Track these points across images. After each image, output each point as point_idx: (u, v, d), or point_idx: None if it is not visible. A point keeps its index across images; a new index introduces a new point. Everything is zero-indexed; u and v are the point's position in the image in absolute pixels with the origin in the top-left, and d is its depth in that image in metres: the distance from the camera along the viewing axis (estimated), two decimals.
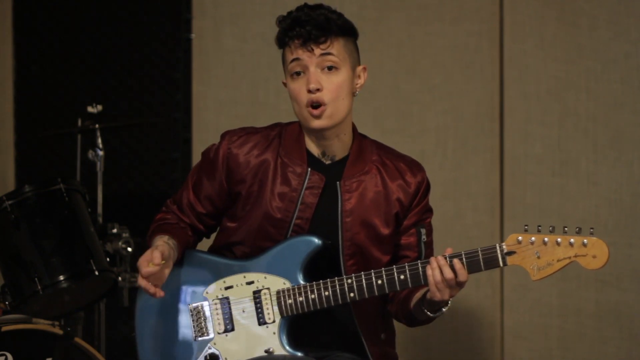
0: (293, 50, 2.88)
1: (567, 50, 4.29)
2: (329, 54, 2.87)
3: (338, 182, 2.94)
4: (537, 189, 4.33)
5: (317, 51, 2.86)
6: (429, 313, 2.86)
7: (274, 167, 2.95)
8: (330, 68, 2.87)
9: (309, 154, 2.97)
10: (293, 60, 2.88)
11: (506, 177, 4.39)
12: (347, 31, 2.91)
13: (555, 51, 4.31)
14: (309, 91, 2.86)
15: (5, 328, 3.52)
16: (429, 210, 3.03)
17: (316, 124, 2.88)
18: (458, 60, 4.44)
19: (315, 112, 2.87)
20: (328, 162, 2.97)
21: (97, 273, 3.81)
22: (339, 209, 2.93)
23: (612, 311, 4.24)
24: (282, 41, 2.92)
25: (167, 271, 2.90)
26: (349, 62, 2.91)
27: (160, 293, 2.86)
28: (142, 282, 2.85)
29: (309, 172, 2.94)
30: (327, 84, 2.87)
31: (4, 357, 3.52)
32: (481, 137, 4.42)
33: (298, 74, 2.88)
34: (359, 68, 2.95)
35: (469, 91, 4.43)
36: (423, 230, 2.98)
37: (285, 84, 2.96)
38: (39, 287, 3.72)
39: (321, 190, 2.94)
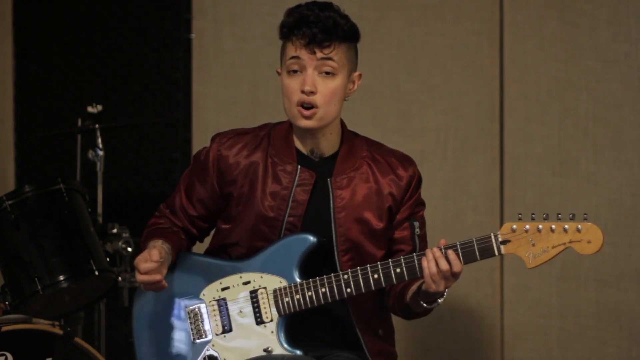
0: (295, 47, 2.88)
1: (567, 50, 4.29)
2: (330, 59, 2.87)
3: (329, 179, 2.95)
4: (537, 189, 4.33)
5: (319, 54, 2.86)
6: (424, 305, 2.87)
7: (264, 166, 2.96)
8: (327, 73, 2.88)
9: (298, 152, 2.98)
10: (293, 57, 2.88)
11: (506, 177, 4.39)
12: (351, 37, 2.91)
13: (555, 51, 4.31)
14: (303, 92, 2.87)
15: (5, 328, 3.52)
16: (421, 204, 3.04)
17: (304, 123, 2.90)
18: (458, 60, 4.44)
19: (306, 112, 2.88)
20: (317, 159, 2.98)
21: (97, 273, 3.81)
22: (331, 205, 2.94)
23: (612, 311, 4.24)
24: (285, 34, 2.91)
25: (164, 271, 2.91)
26: (347, 68, 2.91)
27: (164, 284, 2.88)
28: (142, 277, 2.86)
29: (299, 170, 2.95)
30: (322, 88, 2.87)
31: (4, 357, 3.52)
32: (481, 137, 4.42)
33: (295, 71, 2.89)
34: (355, 74, 2.95)
35: (469, 91, 4.43)
36: (416, 224, 2.98)
37: (279, 73, 2.97)
38: (39, 287, 3.73)
39: (312, 186, 2.94)
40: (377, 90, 4.42)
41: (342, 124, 3.02)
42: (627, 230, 4.20)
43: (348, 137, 3.01)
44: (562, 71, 4.29)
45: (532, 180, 4.34)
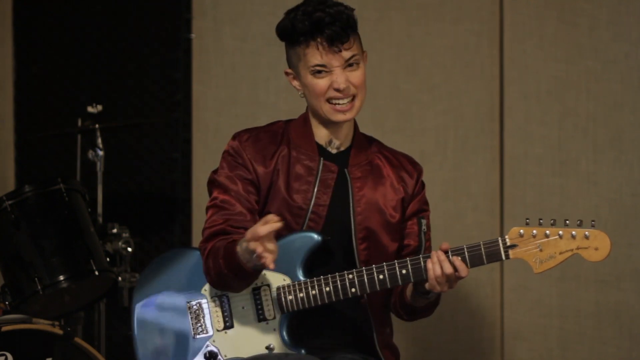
0: (319, 52, 2.87)
1: (567, 50, 4.29)
2: (353, 52, 2.90)
3: (346, 169, 2.99)
4: (537, 189, 4.33)
5: (343, 51, 2.88)
6: (423, 295, 2.89)
7: (288, 160, 2.98)
8: (351, 65, 2.90)
9: (318, 144, 3.01)
10: (317, 64, 2.88)
11: (506, 177, 4.39)
12: (357, 23, 2.93)
13: (555, 51, 4.31)
14: (337, 90, 2.89)
15: (5, 328, 3.52)
16: (426, 203, 3.09)
17: (341, 117, 2.93)
18: (458, 60, 4.44)
19: (346, 107, 2.91)
20: (334, 150, 3.01)
21: (97, 273, 3.81)
22: (350, 194, 2.97)
23: (612, 311, 4.24)
24: (303, 41, 2.89)
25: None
26: (363, 54, 2.96)
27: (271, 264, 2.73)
28: (256, 246, 2.68)
29: (321, 162, 2.98)
30: (354, 79, 2.91)
31: (4, 357, 3.52)
32: (481, 137, 4.42)
33: (320, 72, 2.90)
34: (364, 55, 2.99)
35: (469, 91, 4.43)
36: (424, 221, 3.01)
37: (287, 74, 2.98)
38: (39, 287, 3.73)
39: (335, 177, 2.97)
40: (377, 90, 4.42)
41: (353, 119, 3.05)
42: (627, 230, 4.20)
43: (358, 132, 3.06)
44: (562, 71, 4.29)
45: (532, 180, 4.34)
